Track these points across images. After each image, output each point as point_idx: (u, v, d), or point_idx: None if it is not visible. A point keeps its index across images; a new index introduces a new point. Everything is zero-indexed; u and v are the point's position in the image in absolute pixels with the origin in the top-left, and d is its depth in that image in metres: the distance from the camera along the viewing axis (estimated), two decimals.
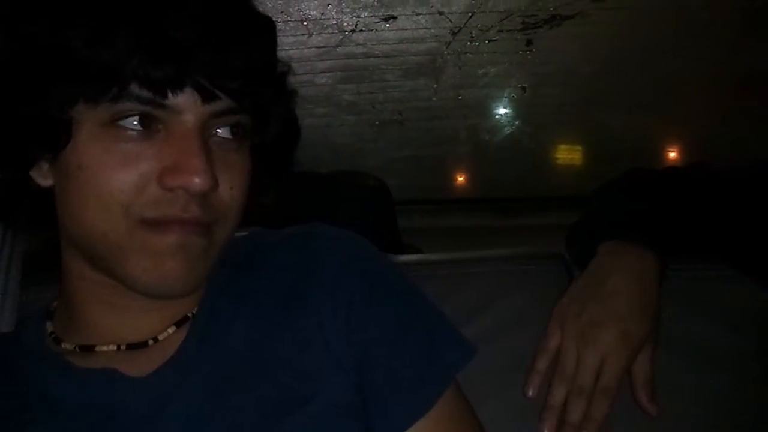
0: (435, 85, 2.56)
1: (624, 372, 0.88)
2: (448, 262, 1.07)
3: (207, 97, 0.68)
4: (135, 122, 0.68)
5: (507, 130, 2.64)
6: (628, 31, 2.45)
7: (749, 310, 0.98)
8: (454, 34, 2.49)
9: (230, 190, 0.72)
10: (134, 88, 0.67)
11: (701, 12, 2.36)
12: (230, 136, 0.72)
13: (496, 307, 0.99)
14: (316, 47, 2.41)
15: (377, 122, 2.56)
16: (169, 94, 0.67)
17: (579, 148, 2.65)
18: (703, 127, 2.58)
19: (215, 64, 0.68)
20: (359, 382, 0.77)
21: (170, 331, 0.77)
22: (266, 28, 0.74)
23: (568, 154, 2.62)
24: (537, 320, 0.95)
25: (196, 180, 0.68)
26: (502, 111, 2.66)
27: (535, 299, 0.98)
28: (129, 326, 0.76)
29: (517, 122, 2.67)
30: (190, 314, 0.77)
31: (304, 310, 0.78)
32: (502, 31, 2.45)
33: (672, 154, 2.62)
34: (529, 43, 2.52)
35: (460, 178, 2.61)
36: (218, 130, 0.71)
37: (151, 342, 0.76)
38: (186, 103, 0.68)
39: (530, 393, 0.91)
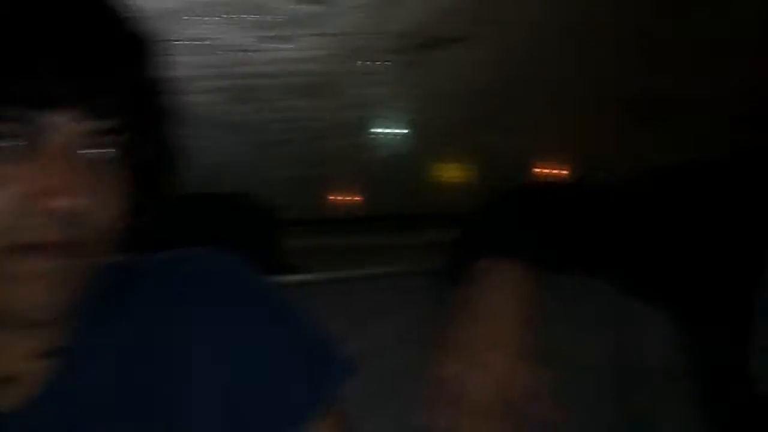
0: (325, 106, 2.56)
1: (519, 390, 0.88)
2: (329, 282, 1.06)
3: (77, 117, 0.65)
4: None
5: (393, 150, 2.66)
6: (515, 54, 2.51)
7: (608, 315, 1.01)
8: (345, 55, 2.49)
9: (103, 210, 0.68)
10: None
11: (587, 36, 2.44)
12: (102, 156, 0.68)
13: (376, 326, 0.97)
14: (205, 67, 2.37)
15: (264, 142, 2.53)
16: (38, 113, 0.64)
17: (464, 167, 2.69)
18: (589, 147, 2.66)
19: (82, 85, 0.65)
20: (231, 410, 0.75)
21: (37, 363, 0.72)
22: (140, 48, 0.71)
23: (455, 173, 2.66)
24: (417, 339, 0.94)
25: (58, 202, 0.64)
26: (389, 130, 2.68)
27: (416, 317, 0.98)
28: None
29: (403, 142, 2.70)
30: (57, 346, 0.73)
31: (175, 339, 0.75)
32: (390, 51, 2.48)
33: (556, 173, 2.69)
34: (418, 64, 2.55)
35: (347, 197, 2.61)
36: (90, 149, 0.67)
37: (15, 375, 0.71)
38: (54, 123, 0.65)
39: (434, 424, 0.88)
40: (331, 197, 2.56)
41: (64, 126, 0.65)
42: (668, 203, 0.99)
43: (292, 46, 2.42)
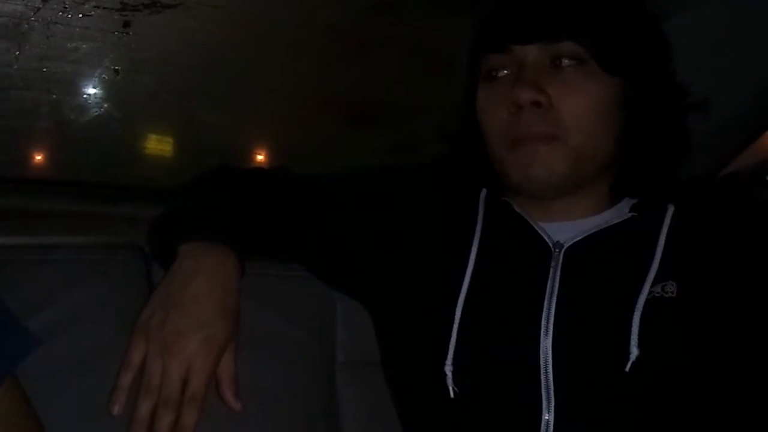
0: (17, 52, 2.33)
1: (210, 377, 0.88)
2: (15, 248, 0.98)
3: None
4: None
5: (94, 112, 2.51)
6: (227, 32, 2.48)
7: (313, 306, 1.05)
8: (44, 0, 2.29)
9: None
10: None
11: (294, 31, 2.49)
12: None
13: (67, 299, 0.92)
14: None
15: None
16: None
17: (169, 140, 2.62)
18: (289, 135, 2.72)
19: None
20: None
21: None
22: None
23: (156, 145, 2.57)
24: (111, 314, 0.91)
25: None
26: (90, 91, 2.52)
27: (110, 291, 0.95)
28: None
29: (105, 105, 2.55)
30: None
31: None
32: (98, 7, 2.33)
33: (259, 157, 2.72)
34: (126, 24, 2.42)
35: (38, 157, 2.42)
36: None
37: None
38: None
39: (115, 410, 0.86)
40: (26, 155, 2.35)
41: None
42: (373, 200, 1.05)
43: None
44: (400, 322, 0.99)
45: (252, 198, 1.03)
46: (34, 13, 2.27)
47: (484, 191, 1.02)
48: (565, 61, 0.91)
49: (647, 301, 0.88)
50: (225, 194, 1.02)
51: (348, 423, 1.04)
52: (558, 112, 0.90)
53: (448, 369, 0.91)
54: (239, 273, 0.94)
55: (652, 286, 0.89)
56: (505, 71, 0.94)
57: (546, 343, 0.89)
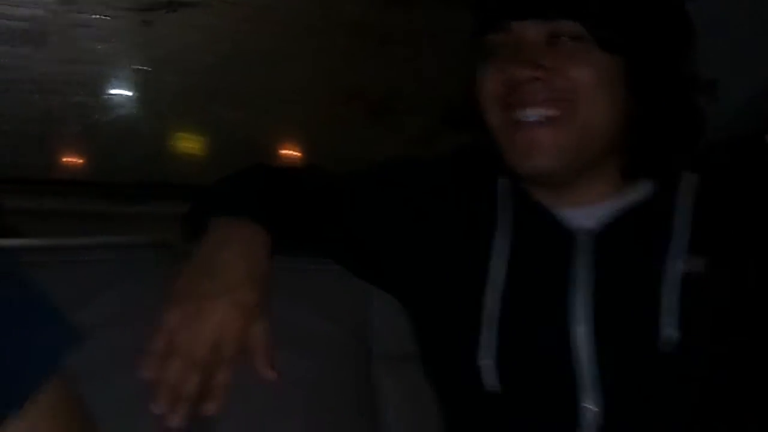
0: (41, 56, 2.36)
1: (239, 340, 0.89)
2: (49, 249, 0.99)
3: None
4: None
5: (120, 112, 2.52)
6: (249, 29, 2.49)
7: (348, 300, 1.05)
8: (64, 3, 2.31)
9: None
10: None
11: (314, 25, 2.49)
12: None
13: (100, 299, 0.94)
14: None
15: None
16: None
17: (196, 138, 2.63)
18: (314, 130, 2.72)
19: None
20: None
21: None
22: None
23: (184, 143, 2.59)
24: (145, 313, 0.91)
25: None
26: (116, 91, 2.54)
27: (145, 291, 0.95)
28: None
29: (131, 105, 2.57)
30: None
31: None
32: (119, 8, 2.34)
33: (285, 152, 2.73)
34: (148, 24, 2.44)
35: (67, 159, 2.44)
36: None
37: None
38: None
39: (147, 374, 0.87)
40: (55, 158, 2.38)
41: None
42: (401, 195, 1.05)
43: None
44: (433, 317, 0.99)
45: (282, 192, 1.03)
46: (56, 16, 2.29)
47: (501, 179, 1.01)
48: (564, 39, 0.90)
49: (681, 279, 0.87)
50: (256, 183, 1.04)
51: (388, 416, 1.04)
52: (557, 84, 0.89)
53: (488, 362, 0.90)
54: (268, 245, 0.95)
55: (684, 263, 0.88)
56: (505, 50, 0.92)
57: (580, 331, 0.88)
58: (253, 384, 0.90)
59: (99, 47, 2.40)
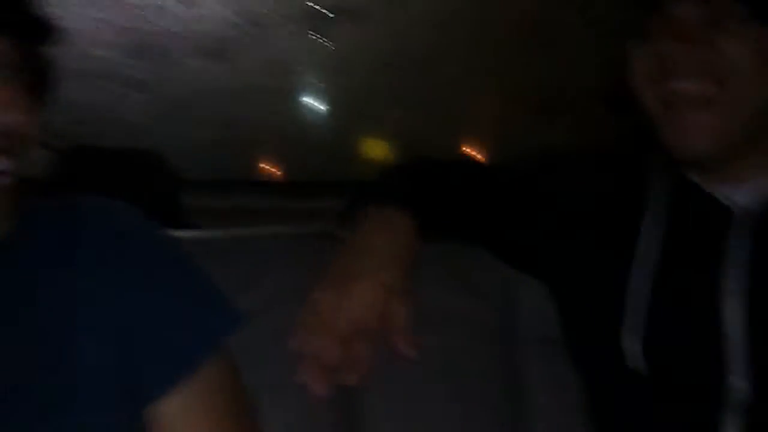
0: (230, 68, 2.55)
1: (380, 317, 0.94)
2: (220, 239, 1.09)
3: None
4: None
5: (304, 117, 2.69)
6: (417, 34, 2.56)
7: (497, 281, 1.09)
8: (250, 19, 2.50)
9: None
10: None
11: (481, 26, 2.52)
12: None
13: (262, 284, 1.01)
14: (105, 21, 2.33)
15: (168, 101, 2.51)
16: None
17: (375, 141, 2.74)
18: (489, 129, 2.75)
19: None
20: (124, 352, 0.78)
21: None
22: None
23: (364, 146, 2.70)
24: (300, 296, 0.97)
25: None
26: (296, 99, 2.70)
27: (302, 276, 1.01)
28: None
29: (314, 110, 2.72)
30: None
31: (60, 281, 0.78)
32: (298, 20, 2.49)
33: (463, 151, 2.78)
34: (324, 33, 2.57)
35: (258, 162, 2.63)
36: None
37: None
38: None
39: (293, 345, 0.94)
40: (242, 160, 2.57)
41: None
42: (551, 187, 1.07)
43: (195, 7, 2.40)
44: (580, 300, 1.00)
45: (435, 182, 1.08)
46: (241, 31, 2.48)
47: (654, 158, 1.01)
48: (724, 20, 0.88)
49: None
50: (409, 174, 1.09)
51: (532, 399, 1.05)
52: (713, 60, 0.88)
53: (634, 341, 0.91)
54: (413, 231, 0.99)
55: None
56: (661, 31, 0.92)
57: (732, 308, 0.87)
58: (398, 361, 0.94)
59: (279, 58, 2.57)
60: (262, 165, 2.64)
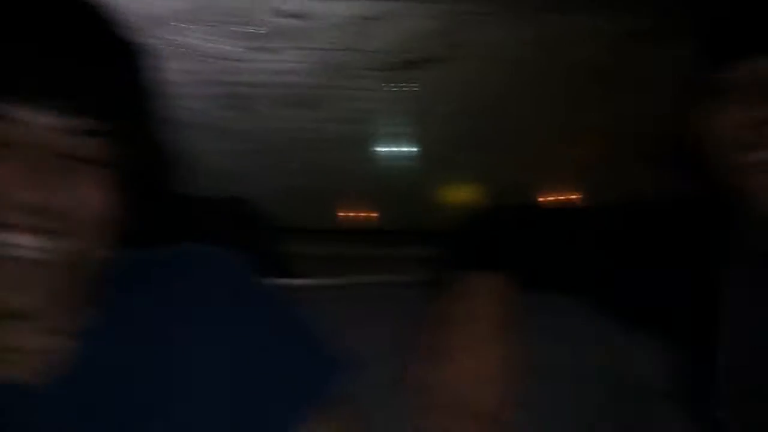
0: (314, 117, 2.59)
1: (494, 396, 0.91)
2: (317, 288, 1.09)
3: (52, 114, 0.67)
4: None
5: (388, 164, 2.70)
6: (498, 80, 2.57)
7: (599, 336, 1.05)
8: (332, 69, 2.54)
9: (82, 206, 0.69)
10: None
11: (552, 69, 2.51)
12: (82, 154, 0.70)
13: (362, 332, 0.99)
14: (194, 74, 2.39)
15: (255, 151, 2.56)
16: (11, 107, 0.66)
17: (461, 187, 2.73)
18: (569, 172, 2.72)
19: (57, 82, 0.67)
20: (238, 407, 0.77)
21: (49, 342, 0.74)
22: (123, 50, 0.73)
23: (450, 192, 2.69)
24: (400, 346, 0.97)
25: (27, 195, 0.67)
26: (381, 148, 2.72)
27: (401, 325, 1.00)
28: None
29: (399, 157, 2.74)
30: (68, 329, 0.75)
31: (176, 337, 0.78)
32: (379, 69, 2.52)
33: (548, 198, 2.75)
34: (407, 80, 2.59)
35: (344, 210, 2.65)
36: (69, 147, 0.69)
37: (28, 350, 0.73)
38: (29, 118, 0.67)
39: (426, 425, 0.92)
40: (330, 209, 2.59)
41: (38, 121, 0.66)
42: (648, 233, 1.03)
43: (277, 58, 2.45)
44: None
45: (538, 232, 1.05)
46: (325, 81, 2.51)
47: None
48: None
49: None
50: (508, 229, 1.05)
51: None
52: None
53: None
54: (506, 295, 0.96)
55: None
56: (744, 87, 0.87)
57: None
58: None
59: (364, 107, 2.60)
60: (345, 213, 2.66)
